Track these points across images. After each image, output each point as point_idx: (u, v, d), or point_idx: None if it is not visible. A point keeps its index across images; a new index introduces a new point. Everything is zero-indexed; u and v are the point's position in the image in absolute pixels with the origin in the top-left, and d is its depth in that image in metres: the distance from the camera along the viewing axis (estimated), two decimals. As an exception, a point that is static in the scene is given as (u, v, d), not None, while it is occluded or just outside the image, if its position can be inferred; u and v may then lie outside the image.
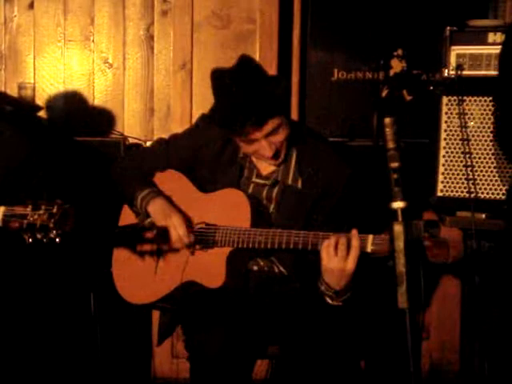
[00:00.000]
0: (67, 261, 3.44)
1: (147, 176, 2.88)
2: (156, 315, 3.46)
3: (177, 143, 2.90)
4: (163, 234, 2.76)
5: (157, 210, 2.77)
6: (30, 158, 2.73)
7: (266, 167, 2.78)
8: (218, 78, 2.65)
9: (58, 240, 2.22)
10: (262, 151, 2.63)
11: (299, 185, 2.74)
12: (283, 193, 2.75)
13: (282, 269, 2.79)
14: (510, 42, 2.69)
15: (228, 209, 2.71)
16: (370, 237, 2.48)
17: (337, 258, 2.47)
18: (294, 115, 3.58)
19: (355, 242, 2.47)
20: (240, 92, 2.56)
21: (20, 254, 2.90)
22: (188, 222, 2.73)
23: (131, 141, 3.66)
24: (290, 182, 2.75)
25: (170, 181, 2.85)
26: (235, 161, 2.79)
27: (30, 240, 2.23)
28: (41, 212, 2.22)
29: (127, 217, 2.90)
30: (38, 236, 2.22)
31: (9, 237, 2.32)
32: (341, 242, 2.47)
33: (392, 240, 2.05)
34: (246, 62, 2.66)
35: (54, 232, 2.21)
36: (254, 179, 2.80)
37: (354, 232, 2.49)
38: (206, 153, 2.81)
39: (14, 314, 2.89)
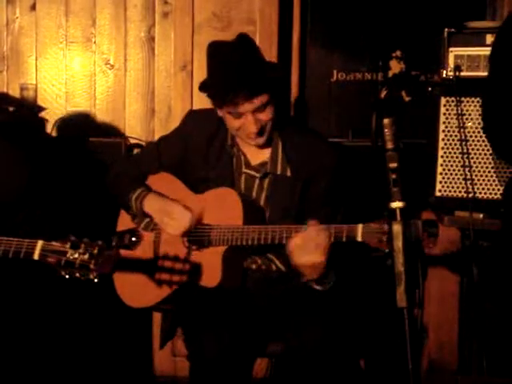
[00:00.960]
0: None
1: (140, 179, 2.90)
2: (156, 315, 3.48)
3: (166, 141, 2.93)
4: (159, 235, 2.80)
5: (153, 207, 2.79)
6: (31, 182, 2.74)
7: (254, 155, 2.80)
8: (215, 48, 2.70)
9: (96, 280, 2.26)
10: (248, 126, 2.66)
11: (288, 173, 2.77)
12: (274, 183, 2.77)
13: (279, 266, 2.81)
14: (501, 41, 2.71)
15: (221, 208, 2.72)
16: (360, 226, 2.49)
17: (306, 255, 2.50)
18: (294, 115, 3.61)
19: (320, 235, 2.49)
20: (237, 62, 2.62)
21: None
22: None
23: (132, 141, 3.67)
24: (279, 171, 2.77)
25: (163, 184, 2.86)
26: (224, 151, 2.81)
27: (67, 276, 2.26)
28: (81, 251, 2.25)
29: (125, 221, 2.92)
30: (77, 274, 2.25)
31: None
32: (307, 237, 2.50)
33: (390, 239, 2.07)
34: (244, 38, 2.72)
35: (95, 273, 2.24)
36: (244, 169, 2.81)
37: (313, 223, 2.51)
38: (194, 147, 2.83)
39: (17, 314, 2.90)
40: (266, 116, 2.67)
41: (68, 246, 2.26)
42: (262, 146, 2.77)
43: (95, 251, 2.25)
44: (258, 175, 2.79)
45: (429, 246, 2.41)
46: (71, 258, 2.25)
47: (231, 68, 2.62)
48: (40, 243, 2.31)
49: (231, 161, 2.81)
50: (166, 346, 2.96)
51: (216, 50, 2.69)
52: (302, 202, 2.75)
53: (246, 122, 2.66)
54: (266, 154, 2.79)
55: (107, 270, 2.27)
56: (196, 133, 2.84)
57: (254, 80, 2.61)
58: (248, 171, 2.81)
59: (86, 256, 2.24)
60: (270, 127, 2.72)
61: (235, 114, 2.65)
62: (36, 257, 2.30)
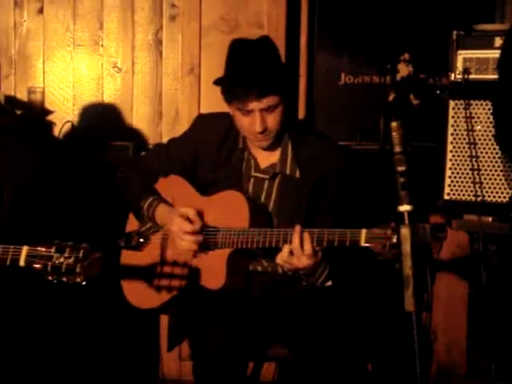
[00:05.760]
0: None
1: (150, 182, 2.91)
2: (164, 318, 3.48)
3: (176, 145, 2.94)
4: (165, 238, 2.80)
5: (164, 220, 2.80)
6: (38, 172, 2.73)
7: (264, 158, 2.81)
8: (237, 44, 2.74)
9: (84, 284, 2.25)
10: (253, 124, 2.67)
11: (297, 174, 2.77)
12: (283, 183, 2.78)
13: (285, 270, 2.80)
14: (510, 45, 2.70)
15: (227, 210, 2.73)
16: (363, 231, 2.48)
17: (294, 264, 2.57)
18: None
19: (304, 243, 2.54)
20: (252, 60, 2.66)
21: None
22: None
23: (139, 145, 3.67)
24: (288, 172, 2.78)
25: (173, 187, 2.87)
26: (233, 154, 2.82)
27: (55, 281, 2.25)
28: (66, 255, 2.24)
29: (134, 224, 2.93)
30: (64, 279, 2.25)
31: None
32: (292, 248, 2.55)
33: (398, 243, 2.06)
34: (266, 39, 2.76)
35: (82, 277, 2.24)
36: (253, 173, 2.82)
37: (297, 229, 2.54)
38: (204, 150, 2.84)
39: (21, 318, 2.91)
40: (273, 118, 2.67)
41: (53, 250, 2.26)
42: (272, 149, 2.77)
43: (80, 254, 2.24)
44: (267, 177, 2.80)
45: (435, 252, 2.40)
46: (57, 262, 2.24)
47: (246, 65, 2.66)
48: (25, 249, 2.30)
49: (240, 164, 2.82)
50: (173, 349, 2.96)
51: (237, 47, 2.73)
52: (311, 204, 2.75)
53: (253, 121, 2.66)
54: (275, 157, 2.80)
55: (94, 273, 2.26)
56: (206, 137, 2.85)
57: (264, 80, 2.62)
58: (257, 174, 2.81)
59: (72, 260, 2.23)
60: (277, 131, 2.71)
61: (243, 111, 2.66)
62: (22, 263, 2.30)
